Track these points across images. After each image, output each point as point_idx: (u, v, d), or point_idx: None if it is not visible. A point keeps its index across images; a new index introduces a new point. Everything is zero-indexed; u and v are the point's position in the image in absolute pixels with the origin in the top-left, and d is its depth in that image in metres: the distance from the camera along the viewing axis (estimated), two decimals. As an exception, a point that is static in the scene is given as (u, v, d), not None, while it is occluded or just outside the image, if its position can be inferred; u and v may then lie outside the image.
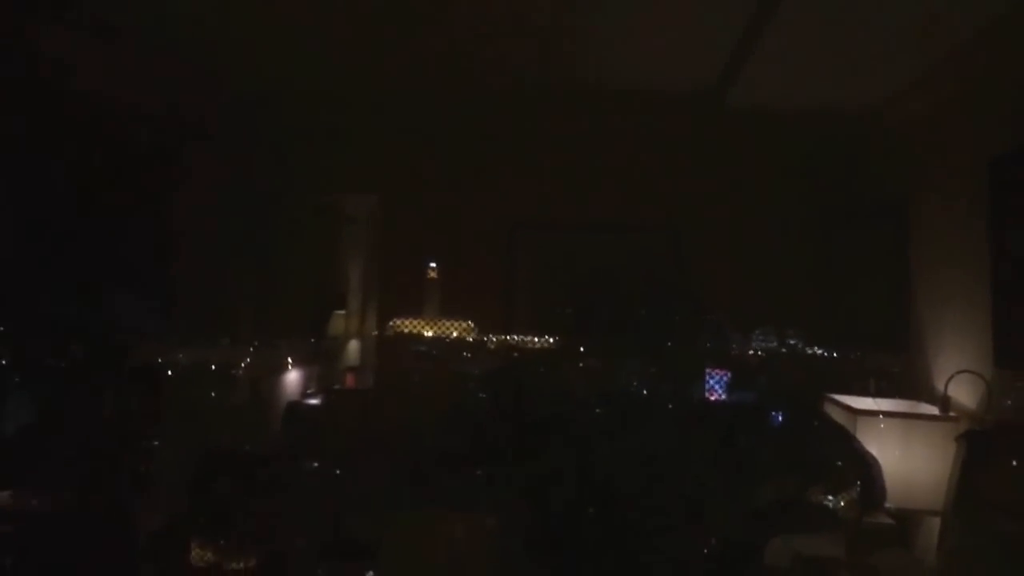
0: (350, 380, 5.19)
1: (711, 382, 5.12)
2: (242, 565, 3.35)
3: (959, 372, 3.03)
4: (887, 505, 3.11)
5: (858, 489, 4.00)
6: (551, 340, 5.38)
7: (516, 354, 5.30)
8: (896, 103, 3.85)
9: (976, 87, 3.16)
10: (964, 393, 3.01)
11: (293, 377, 4.56)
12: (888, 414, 3.16)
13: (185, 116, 3.37)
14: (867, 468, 3.46)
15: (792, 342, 4.77)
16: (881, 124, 4.16)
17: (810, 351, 4.89)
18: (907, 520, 3.24)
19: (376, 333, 5.08)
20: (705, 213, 5.26)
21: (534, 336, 5.35)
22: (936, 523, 2.97)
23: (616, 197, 5.31)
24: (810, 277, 5.14)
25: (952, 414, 2.99)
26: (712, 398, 5.10)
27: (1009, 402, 2.77)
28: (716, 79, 4.18)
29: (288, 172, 5.10)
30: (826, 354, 5.05)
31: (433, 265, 5.34)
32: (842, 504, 3.99)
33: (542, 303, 5.57)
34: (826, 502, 3.98)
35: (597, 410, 4.99)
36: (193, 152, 3.53)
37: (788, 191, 5.21)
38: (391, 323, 5.18)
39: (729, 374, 5.07)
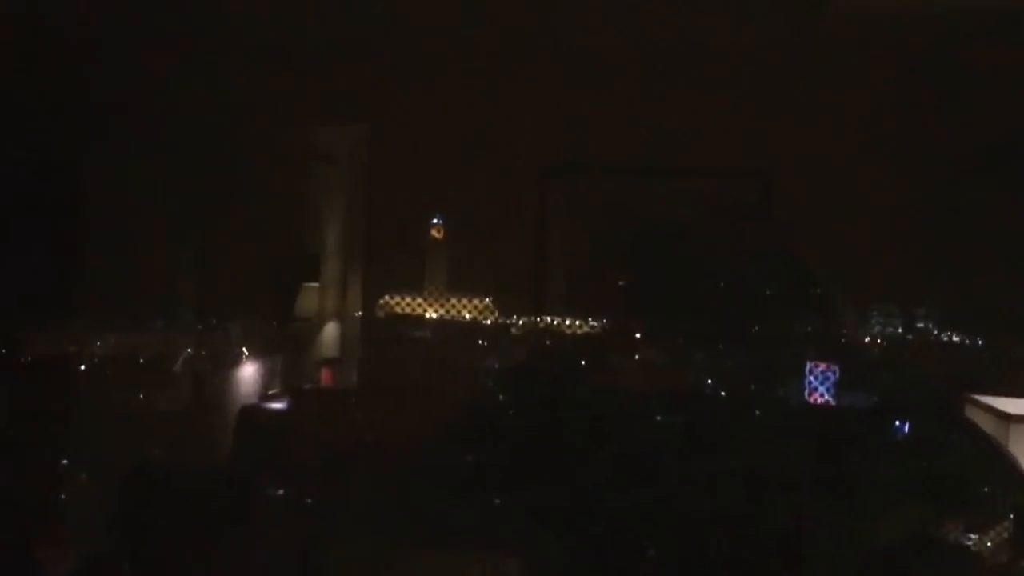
0: (326, 377, 5.12)
1: (813, 379, 4.98)
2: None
3: None
4: None
5: (1010, 524, 3.94)
6: (596, 323, 5.32)
7: (549, 342, 5.26)
8: None
9: None
10: None
11: (250, 372, 4.88)
12: None
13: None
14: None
15: (921, 325, 4.80)
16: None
17: (945, 337, 4.85)
18: None
19: (361, 313, 5.22)
20: (805, 153, 4.99)
21: (574, 318, 5.27)
22: None
23: (684, 131, 4.99)
24: (945, 239, 4.90)
25: None
26: (815, 401, 4.99)
27: None
28: None
29: (239, 99, 4.98)
30: (967, 341, 4.93)
31: (438, 222, 5.29)
32: (990, 544, 3.90)
33: (584, 274, 5.42)
34: (968, 541, 3.92)
35: (658, 418, 4.91)
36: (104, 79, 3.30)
37: (917, 124, 4.90)
38: (382, 301, 5.25)
39: (837, 369, 4.95)
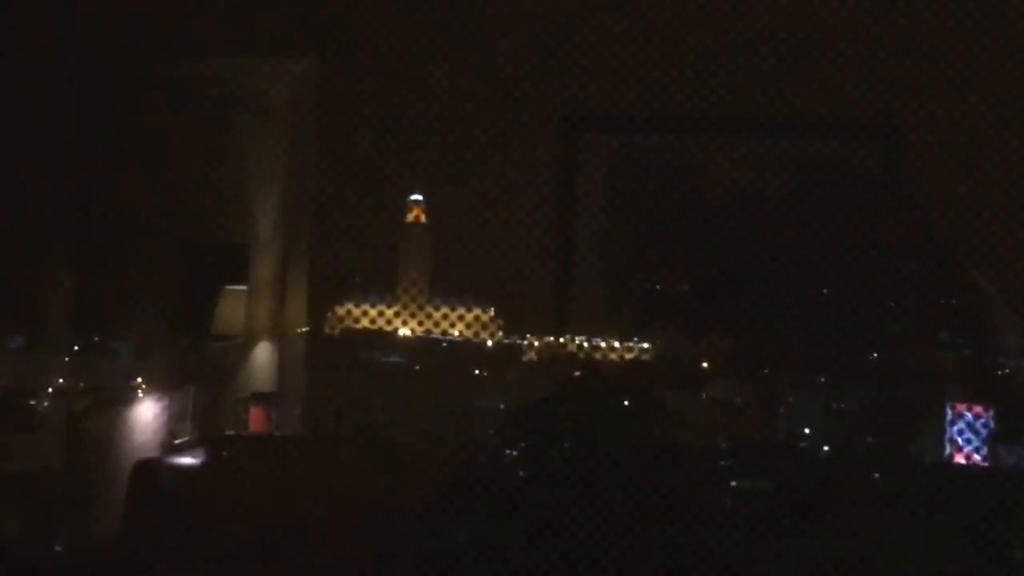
0: (256, 419, 4.98)
1: (960, 428, 4.86)
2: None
3: None
4: None
5: None
6: (645, 345, 5.13)
7: (578, 373, 5.05)
8: None
9: None
10: None
11: (148, 411, 4.81)
12: None
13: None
14: None
15: None
16: None
17: None
18: None
19: (307, 329, 5.09)
20: (941, 106, 4.90)
21: (612, 337, 5.08)
22: None
23: (768, 71, 4.90)
24: None
25: None
26: (961, 459, 4.87)
27: None
28: None
29: (133, 25, 4.88)
30: None
31: (417, 198, 5.18)
32: None
33: (626, 273, 5.18)
34: None
35: (733, 484, 4.89)
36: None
37: None
38: (334, 310, 5.12)
39: (994, 413, 4.82)
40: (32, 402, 4.84)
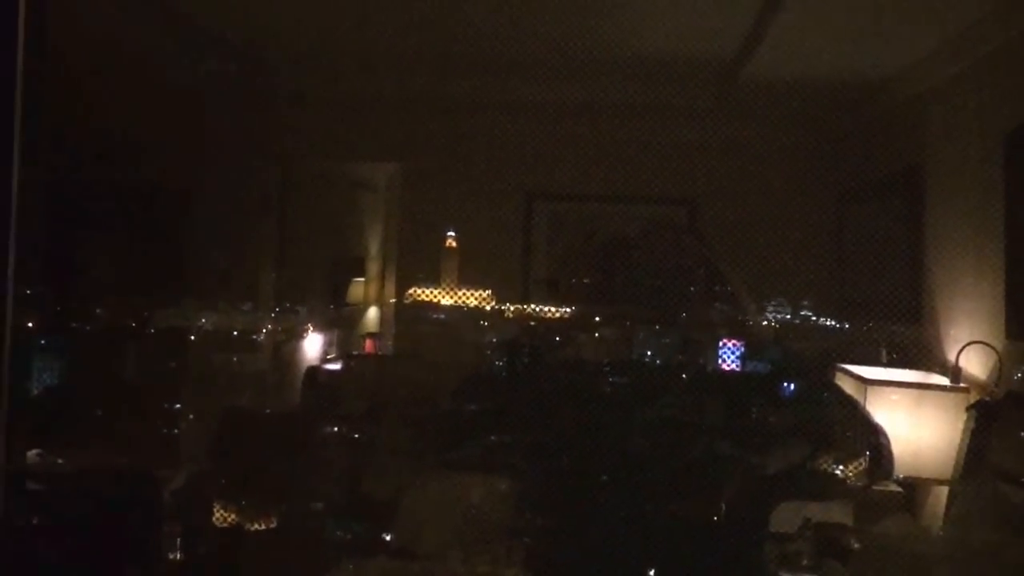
0: (369, 346, 5.67)
1: (725, 353, 5.41)
2: (263, 525, 3.38)
3: (970, 343, 3.30)
4: (896, 474, 3.38)
5: (866, 459, 3.82)
6: (568, 310, 5.68)
7: (533, 323, 5.61)
8: (914, 73, 4.33)
9: (995, 58, 3.46)
10: (975, 364, 3.36)
11: (313, 342, 5.11)
12: (899, 384, 3.42)
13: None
14: (876, 439, 3.51)
15: (805, 313, 4.66)
16: (898, 95, 4.61)
17: (822, 322, 4.66)
18: (915, 489, 3.59)
19: (394, 301, 5.88)
20: (723, 185, 5.46)
21: (551, 306, 5.67)
22: (944, 492, 3.32)
23: (634, 168, 5.45)
24: (825, 248, 5.39)
25: (963, 385, 3.31)
26: (725, 368, 5.38)
27: (1019, 373, 3.02)
28: (736, 48, 4.51)
29: (306, 139, 5.46)
30: (838, 325, 5.41)
31: (452, 234, 5.83)
32: (850, 473, 3.97)
33: (559, 273, 5.82)
34: (834, 471, 3.92)
35: (612, 379, 5.26)
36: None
37: (804, 162, 5.47)
38: (410, 291, 5.82)
39: (742, 345, 5.40)
40: (254, 337, 5.10)
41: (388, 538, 3.54)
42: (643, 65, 5.05)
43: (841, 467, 4.15)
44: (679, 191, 5.72)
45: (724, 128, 5.51)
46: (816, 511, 3.28)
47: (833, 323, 5.39)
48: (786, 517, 3.27)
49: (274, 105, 5.35)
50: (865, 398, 3.39)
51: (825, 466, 4.20)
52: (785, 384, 4.86)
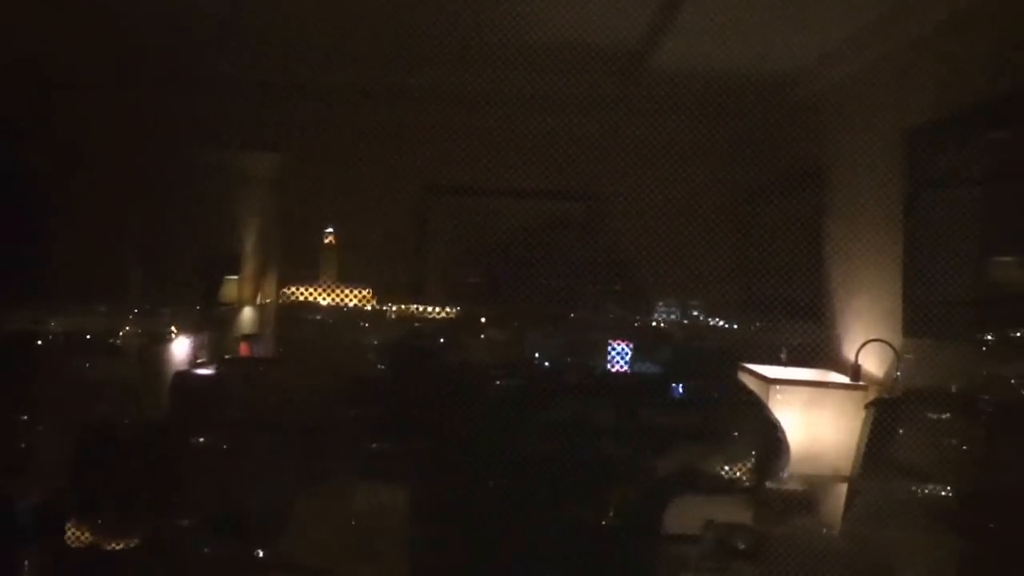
0: (244, 349, 5.42)
1: (614, 354, 5.36)
2: (122, 545, 3.13)
3: (869, 341, 3.36)
4: (799, 472, 3.41)
5: (756, 459, 3.90)
6: (455, 310, 5.60)
7: (417, 324, 5.52)
8: (816, 70, 4.33)
9: (900, 54, 3.52)
10: (874, 362, 3.42)
11: (181, 346, 5.14)
12: (801, 383, 3.49)
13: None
14: (767, 438, 3.47)
15: (695, 314, 4.69)
16: (802, 91, 4.60)
17: (712, 322, 4.73)
18: (816, 486, 3.58)
19: (271, 301, 5.64)
20: (622, 181, 5.34)
21: (438, 306, 5.58)
22: (844, 489, 3.35)
23: (533, 162, 5.33)
24: (723, 247, 5.27)
25: (862, 383, 3.38)
26: (615, 370, 5.33)
27: (916, 370, 3.10)
28: (640, 39, 4.42)
29: (179, 126, 5.15)
30: (737, 325, 5.40)
31: (331, 230, 5.67)
32: (740, 473, 3.99)
33: (448, 271, 5.70)
34: (724, 471, 3.93)
35: (498, 382, 5.14)
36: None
37: (704, 159, 5.24)
38: (286, 290, 5.64)
39: (631, 345, 5.35)
40: (113, 341, 4.76)
41: (262, 554, 3.39)
42: (544, 54, 4.89)
43: (730, 467, 4.24)
44: (579, 186, 5.64)
45: (626, 122, 5.40)
46: (719, 511, 3.39)
47: (731, 322, 5.34)
48: (690, 518, 3.29)
49: (141, 88, 5.04)
50: (768, 397, 3.44)
51: (715, 467, 4.12)
52: (677, 384, 4.88)
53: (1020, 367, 2.52)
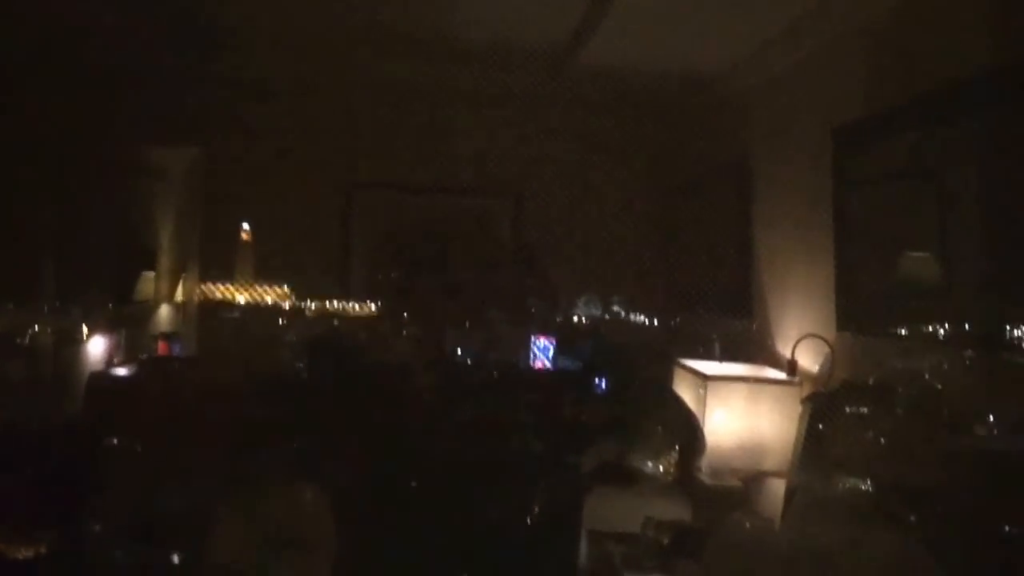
0: (162, 348, 5.30)
1: (537, 350, 5.42)
2: (31, 552, 3.07)
3: (805, 336, 3.41)
4: (737, 468, 3.47)
5: (677, 452, 3.97)
6: (375, 307, 5.65)
7: (336, 321, 5.74)
8: (743, 67, 4.41)
9: (824, 53, 3.62)
10: (808, 357, 3.47)
11: (95, 346, 5.06)
12: (738, 379, 3.50)
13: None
14: (686, 432, 3.54)
15: (616, 309, 4.79)
16: (729, 88, 4.69)
17: (633, 318, 4.85)
18: (754, 482, 3.64)
19: (188, 298, 5.79)
20: (548, 177, 5.56)
21: (357, 302, 5.63)
22: (782, 485, 3.33)
23: (459, 158, 5.55)
24: (652, 243, 5.53)
25: (797, 378, 3.43)
26: (537, 366, 5.38)
27: (851, 364, 3.12)
28: (568, 36, 4.47)
29: (96, 121, 5.04)
30: (647, 321, 5.51)
31: (246, 226, 5.62)
32: (661, 467, 4.08)
33: (369, 268, 5.72)
34: (645, 465, 4.02)
35: (421, 378, 5.06)
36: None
37: (632, 155, 5.59)
38: (202, 287, 5.65)
39: (554, 341, 5.39)
40: (19, 340, 4.61)
41: (178, 559, 3.34)
42: (472, 50, 4.96)
43: (651, 463, 4.32)
44: (506, 182, 5.71)
45: (554, 117, 5.53)
46: (657, 509, 3.36)
47: (659, 318, 5.36)
48: (628, 515, 3.32)
49: (52, 81, 4.87)
50: (705, 393, 3.45)
51: (636, 461, 4.40)
52: (597, 381, 4.93)
53: (951, 358, 2.57)
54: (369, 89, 5.37)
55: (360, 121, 5.47)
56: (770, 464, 3.39)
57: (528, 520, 3.90)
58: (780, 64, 4.07)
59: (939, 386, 2.66)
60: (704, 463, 3.48)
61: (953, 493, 2.34)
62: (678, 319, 5.31)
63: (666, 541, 3.15)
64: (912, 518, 2.37)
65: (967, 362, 2.56)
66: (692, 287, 5.10)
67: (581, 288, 5.52)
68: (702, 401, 3.49)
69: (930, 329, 2.79)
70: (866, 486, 2.66)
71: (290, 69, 5.18)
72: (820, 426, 2.98)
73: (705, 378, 3.51)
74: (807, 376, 3.47)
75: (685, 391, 3.82)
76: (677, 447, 3.85)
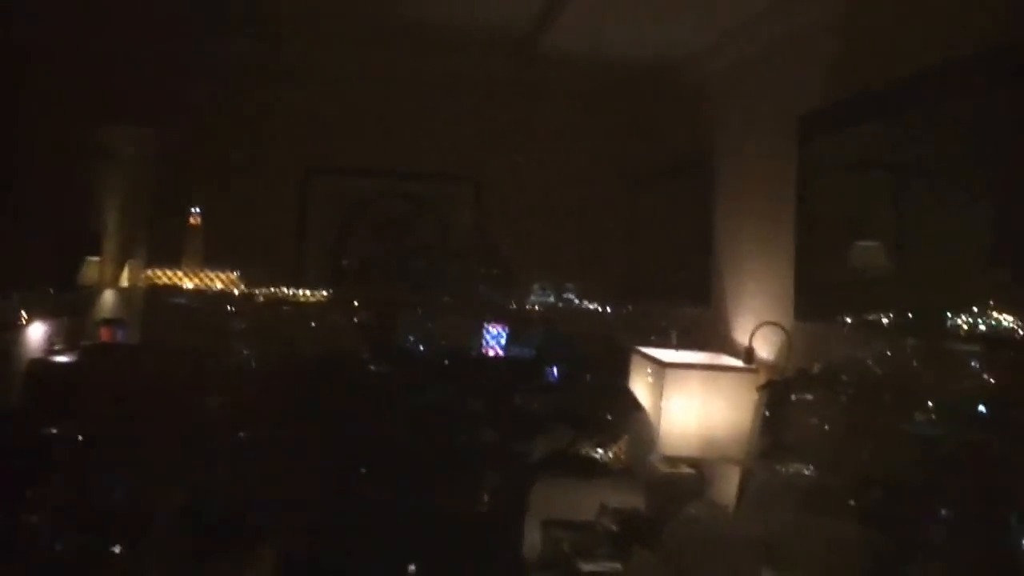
0: (105, 335, 5.19)
1: (489, 337, 5.42)
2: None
3: (762, 324, 3.42)
4: (694, 455, 3.44)
5: (626, 441, 4.03)
6: (325, 293, 5.56)
7: (286, 308, 4.75)
8: (707, 55, 4.38)
9: (788, 42, 3.63)
10: (766, 345, 3.48)
11: (35, 332, 4.52)
12: (696, 366, 3.49)
13: None
14: (634, 421, 3.58)
15: (569, 297, 4.82)
16: (692, 76, 4.65)
17: (587, 305, 4.89)
18: (711, 469, 3.63)
19: (134, 283, 4.86)
20: (508, 164, 5.51)
21: (308, 289, 5.53)
22: (737, 472, 3.36)
23: (417, 144, 5.46)
24: (610, 231, 5.46)
25: (754, 365, 3.43)
26: (490, 354, 5.38)
27: (807, 352, 3.14)
28: (531, 21, 4.40)
29: (41, 101, 4.92)
30: (601, 308, 5.47)
31: (195, 211, 5.55)
32: (611, 455, 4.13)
33: (321, 254, 5.65)
34: (595, 453, 4.07)
35: (372, 367, 5.16)
36: None
37: (592, 143, 5.51)
38: (149, 273, 5.53)
39: (507, 329, 5.40)
40: None
41: (119, 551, 3.32)
42: (433, 35, 4.89)
43: (601, 450, 4.35)
44: (466, 168, 5.64)
45: (516, 105, 5.45)
46: (613, 496, 3.41)
47: (615, 306, 5.35)
48: (584, 503, 3.36)
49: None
50: (663, 381, 3.42)
51: (586, 450, 4.10)
52: (548, 369, 5.01)
53: (908, 347, 2.59)
54: (327, 73, 5.28)
55: (316, 105, 5.38)
56: (727, 451, 3.39)
57: (477, 508, 3.94)
58: (744, 52, 4.07)
59: (879, 373, 2.78)
60: (659, 451, 3.45)
61: (893, 479, 2.44)
62: (630, 307, 5.28)
63: (620, 529, 3.19)
64: (860, 503, 2.46)
65: (908, 350, 2.60)
66: (650, 275, 5.11)
67: (536, 276, 5.52)
68: (660, 389, 3.44)
69: (880, 318, 2.80)
70: (819, 473, 2.73)
71: (245, 50, 5.06)
72: (775, 413, 3.04)
73: (663, 366, 3.47)
74: (763, 364, 3.47)
75: (643, 379, 3.78)
76: (626, 436, 3.91)
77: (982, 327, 2.37)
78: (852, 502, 2.49)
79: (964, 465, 2.20)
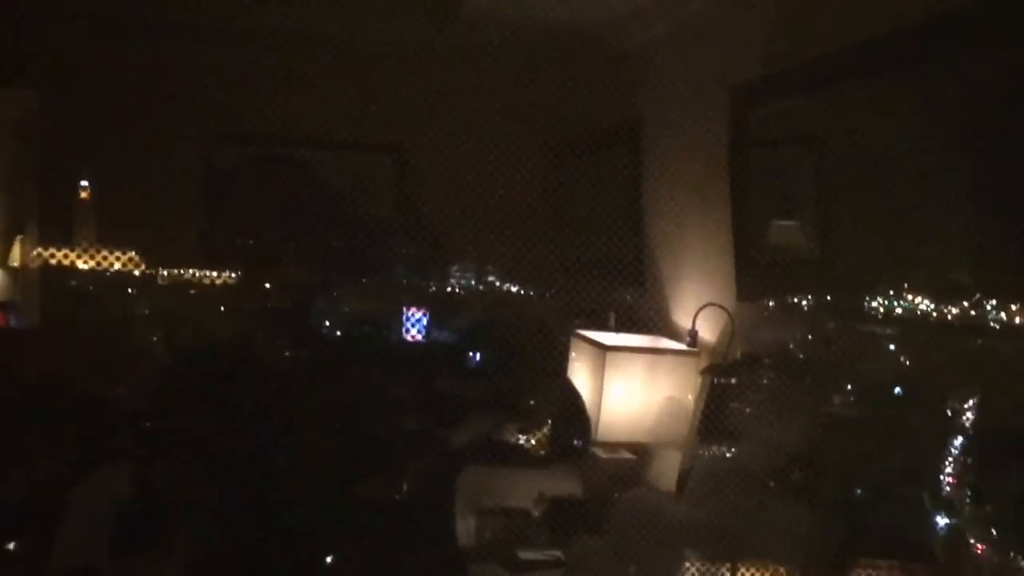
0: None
1: (409, 322, 5.35)
2: None
3: (705, 306, 3.37)
4: (636, 440, 3.44)
5: (551, 428, 4.00)
6: (234, 275, 5.47)
7: (192, 291, 5.42)
8: (637, 20, 4.20)
9: (720, 9, 3.54)
10: (708, 327, 3.44)
11: None
12: (637, 349, 3.46)
13: None
14: (565, 407, 3.56)
15: (491, 279, 4.79)
16: (622, 42, 4.47)
17: (512, 288, 4.87)
18: (653, 454, 3.60)
19: (22, 263, 5.14)
20: (430, 134, 5.14)
21: (216, 270, 5.42)
22: (678, 457, 3.32)
23: (333, 112, 5.10)
24: (537, 207, 5.24)
25: (696, 348, 3.42)
26: (409, 339, 5.33)
27: (750, 334, 3.13)
28: None
29: None
30: (523, 292, 5.47)
31: (85, 184, 5.33)
32: (534, 441, 4.12)
33: (228, 231, 5.42)
34: (519, 440, 4.05)
35: (286, 354, 5.12)
36: None
37: (519, 113, 4.99)
38: (37, 252, 5.15)
39: (427, 313, 5.36)
40: None
41: (14, 547, 3.21)
42: None
43: (524, 436, 4.35)
44: (386, 137, 5.45)
45: (438, 70, 5.26)
46: (550, 484, 3.39)
47: (543, 287, 5.26)
48: (521, 491, 3.33)
49: None
50: (604, 364, 3.39)
51: (509, 436, 4.12)
52: (471, 354, 5.01)
53: (849, 329, 2.62)
54: (235, 34, 5.00)
55: (221, 67, 5.08)
56: (668, 435, 3.38)
57: (398, 496, 3.90)
58: (673, 20, 3.96)
59: (801, 356, 2.79)
60: (593, 436, 3.43)
61: (814, 459, 2.47)
62: (555, 288, 5.26)
63: (559, 516, 3.19)
64: (800, 483, 2.52)
65: (827, 333, 2.68)
66: (580, 254, 4.96)
67: (459, 255, 5.48)
68: (601, 372, 3.42)
69: (807, 300, 2.84)
70: (761, 455, 2.78)
71: (143, 5, 4.67)
72: (720, 396, 3.07)
73: (604, 348, 3.45)
74: (705, 347, 3.46)
75: (582, 362, 3.74)
76: (551, 421, 3.91)
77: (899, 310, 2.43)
78: (792, 482, 2.58)
79: (885, 443, 2.30)
